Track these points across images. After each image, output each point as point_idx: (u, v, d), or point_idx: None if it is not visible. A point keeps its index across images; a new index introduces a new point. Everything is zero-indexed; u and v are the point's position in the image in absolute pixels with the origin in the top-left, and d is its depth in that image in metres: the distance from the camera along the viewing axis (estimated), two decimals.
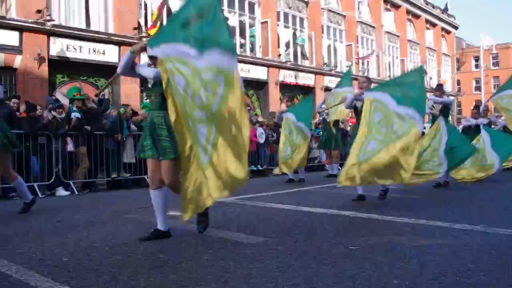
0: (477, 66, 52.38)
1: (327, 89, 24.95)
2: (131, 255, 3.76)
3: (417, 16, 34.17)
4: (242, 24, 21.23)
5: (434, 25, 36.54)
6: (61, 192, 9.22)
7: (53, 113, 9.46)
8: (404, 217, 5.31)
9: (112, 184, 10.34)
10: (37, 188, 8.93)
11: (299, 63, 23.64)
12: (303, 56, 23.67)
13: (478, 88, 50.91)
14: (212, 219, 5.49)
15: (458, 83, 46.76)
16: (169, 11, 17.69)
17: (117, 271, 3.29)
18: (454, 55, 40.98)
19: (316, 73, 24.26)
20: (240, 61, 20.35)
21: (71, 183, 9.50)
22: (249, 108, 19.66)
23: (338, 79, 26.05)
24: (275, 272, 3.18)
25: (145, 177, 10.77)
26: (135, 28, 16.67)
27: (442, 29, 37.92)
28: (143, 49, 4.15)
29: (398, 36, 31.50)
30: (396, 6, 31.76)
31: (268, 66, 21.50)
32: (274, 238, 4.34)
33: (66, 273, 3.25)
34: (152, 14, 17.31)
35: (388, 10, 31.22)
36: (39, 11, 14.05)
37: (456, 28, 40.27)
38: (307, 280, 2.98)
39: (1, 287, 2.97)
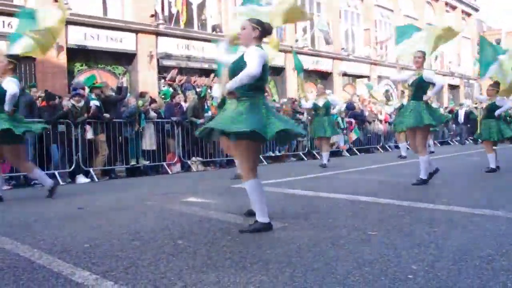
0: None
1: (345, 75, 24.78)
2: (150, 241, 3.80)
3: None
4: None
5: (454, 7, 35.87)
6: (81, 179, 9.35)
7: (72, 101, 9.57)
8: (423, 203, 5.28)
9: (131, 171, 10.45)
10: (57, 175, 9.07)
11: (317, 48, 23.46)
12: (326, 41, 23.36)
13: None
14: (230, 205, 5.54)
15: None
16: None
17: (137, 257, 3.34)
18: (474, 38, 40.23)
19: (334, 59, 24.06)
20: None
21: (91, 170, 9.63)
22: (266, 94, 19.60)
23: (356, 64, 25.80)
24: (293, 258, 3.19)
25: (164, 164, 10.88)
26: (152, 16, 16.69)
27: (463, 11, 37.20)
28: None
29: (417, 19, 31.00)
30: None
31: (285, 52, 21.37)
32: (292, 223, 4.35)
33: (87, 259, 3.31)
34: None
35: None
36: (56, 0, 14.14)
37: (476, 10, 39.49)
38: (325, 266, 2.99)
39: (24, 273, 3.04)
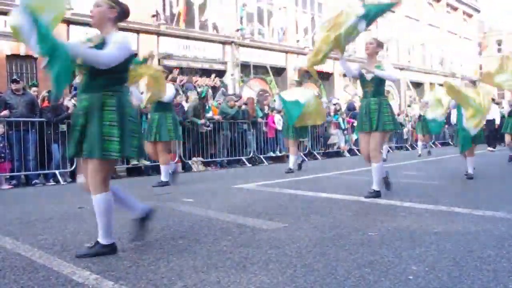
0: (499, 50, 51.40)
1: (346, 75, 24.75)
2: (151, 241, 3.80)
3: (437, 0, 33.56)
4: (260, 10, 21.13)
5: (455, 8, 35.86)
6: (82, 179, 9.32)
7: (73, 101, 9.57)
8: (423, 203, 5.28)
9: (132, 171, 10.44)
10: (58, 175, 9.07)
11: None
12: None
13: None
14: (230, 205, 5.54)
15: (480, 67, 45.96)
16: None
17: (137, 256, 3.34)
18: (476, 39, 40.23)
19: (335, 59, 24.00)
20: (259, 47, 20.31)
21: None
22: (267, 94, 19.62)
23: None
24: (293, 258, 3.19)
25: None
26: (153, 16, 16.71)
27: (464, 12, 37.19)
28: None
29: (418, 20, 31.01)
30: None
31: (286, 52, 21.40)
32: (292, 224, 4.35)
33: (87, 258, 3.30)
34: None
35: None
36: None
37: (478, 11, 39.47)
38: (325, 266, 2.99)
39: (25, 272, 3.04)
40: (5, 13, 13.33)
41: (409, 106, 24.27)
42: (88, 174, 3.37)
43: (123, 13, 3.50)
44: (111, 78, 3.31)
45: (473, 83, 8.10)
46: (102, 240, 3.41)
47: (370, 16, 5.70)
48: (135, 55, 4.71)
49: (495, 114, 16.39)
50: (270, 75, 12.44)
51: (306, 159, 9.98)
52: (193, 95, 12.41)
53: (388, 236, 3.75)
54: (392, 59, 28.05)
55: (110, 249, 3.41)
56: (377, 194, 5.86)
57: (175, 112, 8.29)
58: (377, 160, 5.86)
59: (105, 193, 3.40)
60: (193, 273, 2.92)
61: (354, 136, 16.29)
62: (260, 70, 21.04)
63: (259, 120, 13.30)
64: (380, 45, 6.11)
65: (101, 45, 3.29)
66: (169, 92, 7.68)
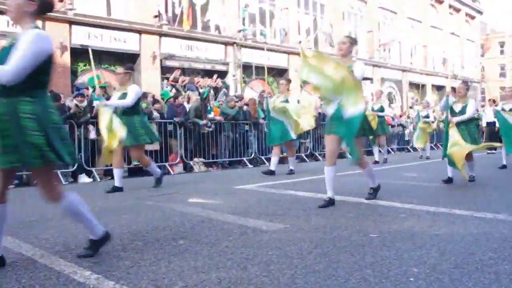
0: (502, 52, 51.35)
1: None
2: (152, 242, 3.81)
3: (440, 1, 33.54)
4: (262, 11, 21.14)
5: (457, 10, 35.84)
6: (83, 179, 9.37)
7: (75, 101, 9.59)
8: (424, 205, 5.27)
9: (133, 171, 10.45)
10: (60, 175, 9.08)
11: (320, 50, 23.46)
12: (330, 44, 23.38)
13: (503, 75, 49.97)
14: (231, 206, 5.54)
15: (482, 69, 45.91)
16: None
17: (138, 257, 3.34)
18: (478, 41, 40.18)
19: None
20: (261, 48, 20.34)
21: (93, 170, 9.64)
22: (269, 95, 19.62)
23: None
24: (294, 259, 3.19)
25: (166, 164, 10.88)
26: (155, 16, 16.74)
27: (466, 14, 37.16)
28: None
29: (420, 22, 30.99)
30: None
31: (288, 53, 21.39)
32: (293, 225, 4.35)
33: (88, 258, 3.31)
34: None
35: None
36: (61, 0, 14.18)
37: (480, 13, 39.44)
38: (326, 267, 2.99)
39: (26, 272, 3.04)
40: (5, 12, 13.38)
41: (411, 107, 24.26)
42: (40, 185, 3.24)
43: (44, 6, 3.08)
44: (29, 82, 2.92)
45: (466, 84, 7.98)
46: (92, 236, 3.42)
47: (345, 119, 5.23)
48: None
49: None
50: (265, 75, 12.56)
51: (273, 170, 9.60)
52: (194, 96, 12.43)
53: (389, 238, 3.75)
54: (394, 61, 28.05)
55: (104, 239, 3.45)
56: (375, 191, 5.88)
57: (142, 114, 7.82)
58: (364, 166, 5.77)
59: (64, 197, 3.23)
60: (194, 274, 2.93)
61: None
62: (262, 71, 21.08)
63: (261, 121, 13.30)
64: (353, 42, 5.68)
65: (10, 47, 2.92)
66: (131, 94, 7.12)
